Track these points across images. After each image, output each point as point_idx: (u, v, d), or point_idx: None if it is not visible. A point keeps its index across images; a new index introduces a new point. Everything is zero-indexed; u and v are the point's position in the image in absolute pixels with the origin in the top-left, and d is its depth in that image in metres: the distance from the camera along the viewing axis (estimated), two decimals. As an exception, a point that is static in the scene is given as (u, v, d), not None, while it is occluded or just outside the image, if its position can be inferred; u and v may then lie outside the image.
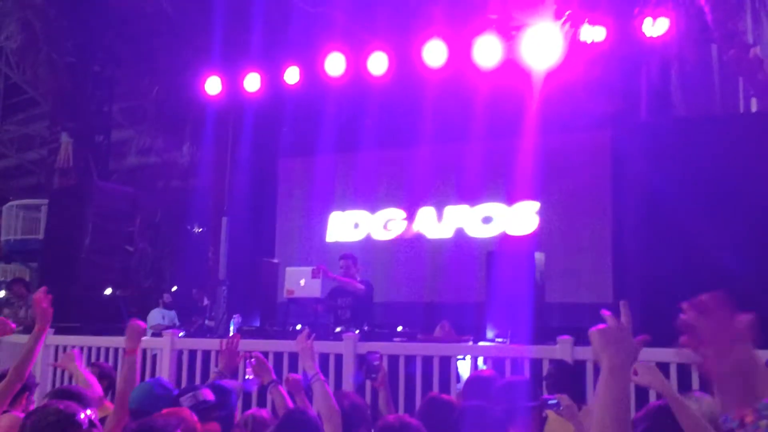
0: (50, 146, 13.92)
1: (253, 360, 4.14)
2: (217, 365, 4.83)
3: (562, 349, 5.55)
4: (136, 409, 3.40)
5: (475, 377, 4.61)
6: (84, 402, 3.35)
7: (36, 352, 3.94)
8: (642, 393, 4.55)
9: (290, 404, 3.91)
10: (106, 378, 5.10)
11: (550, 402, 3.68)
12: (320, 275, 7.34)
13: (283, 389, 4.00)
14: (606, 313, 1.86)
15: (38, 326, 3.95)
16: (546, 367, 5.56)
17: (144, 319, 10.37)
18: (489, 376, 4.53)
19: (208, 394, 3.39)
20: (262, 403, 5.97)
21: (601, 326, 1.84)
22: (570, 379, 4.90)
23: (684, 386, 4.72)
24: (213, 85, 10.53)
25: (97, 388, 4.63)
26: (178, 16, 11.83)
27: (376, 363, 4.67)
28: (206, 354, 6.74)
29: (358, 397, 4.30)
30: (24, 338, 8.27)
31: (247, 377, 4.25)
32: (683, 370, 5.22)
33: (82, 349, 7.30)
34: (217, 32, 10.51)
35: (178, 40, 11.86)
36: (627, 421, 1.76)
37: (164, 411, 3.03)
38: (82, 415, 2.70)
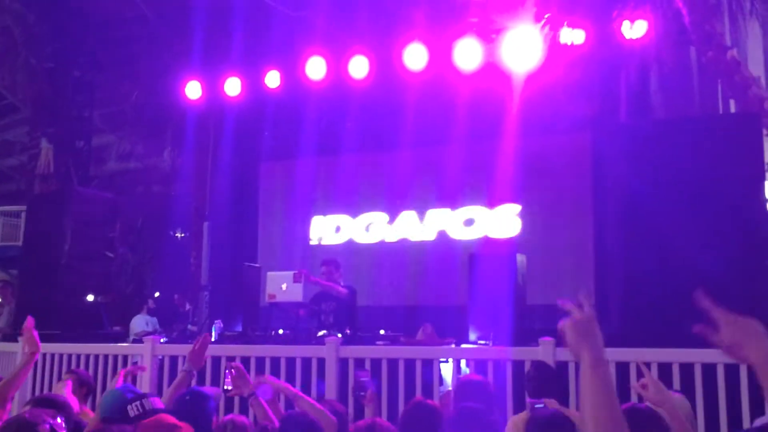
0: (30, 152, 13.81)
1: (233, 370, 4.09)
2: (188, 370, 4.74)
3: (544, 350, 5.57)
4: (107, 416, 3.35)
5: (467, 381, 4.60)
6: (63, 410, 3.32)
7: (23, 376, 4.01)
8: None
9: (273, 416, 3.86)
10: (85, 385, 5.04)
11: (536, 407, 3.69)
12: (302, 279, 7.32)
13: (263, 401, 3.95)
14: (565, 303, 1.83)
15: (29, 352, 4.10)
16: (528, 369, 5.58)
17: (127, 326, 10.33)
18: (480, 380, 4.53)
19: (157, 402, 3.30)
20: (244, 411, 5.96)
21: (570, 320, 1.80)
22: (551, 381, 4.91)
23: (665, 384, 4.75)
24: (193, 90, 10.48)
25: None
26: (158, 20, 11.78)
27: (363, 380, 4.68)
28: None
29: (340, 404, 4.29)
30: (2, 345, 8.19)
31: (226, 387, 4.18)
32: (664, 370, 5.26)
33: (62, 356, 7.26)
34: (197, 36, 10.47)
35: (158, 45, 11.81)
36: (620, 411, 1.72)
37: (147, 420, 2.99)
38: (48, 426, 2.68)
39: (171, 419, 2.90)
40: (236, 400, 6.21)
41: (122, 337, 9.10)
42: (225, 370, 4.18)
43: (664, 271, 6.30)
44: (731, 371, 5.02)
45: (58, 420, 2.76)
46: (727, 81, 8.47)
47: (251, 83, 10.17)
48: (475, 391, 4.23)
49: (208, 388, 4.32)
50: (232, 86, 10.22)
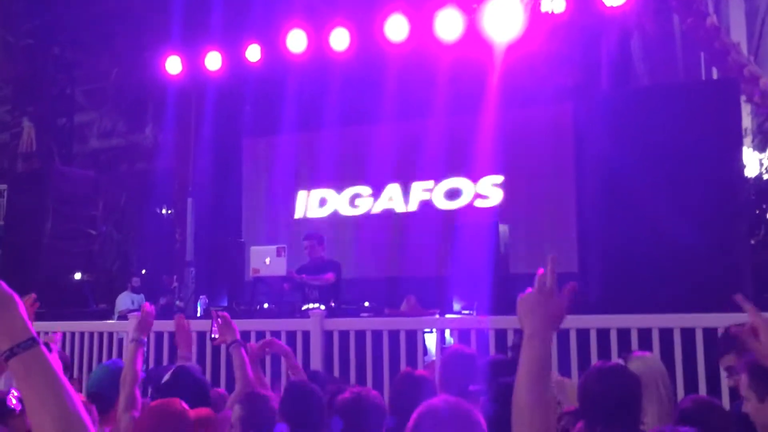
0: (12, 131, 13.70)
1: (219, 319, 4.14)
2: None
3: (526, 319, 5.61)
4: (95, 392, 3.37)
5: (457, 353, 4.61)
6: None
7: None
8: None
9: (249, 367, 3.92)
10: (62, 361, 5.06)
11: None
12: (290, 279, 7.36)
13: (245, 352, 4.01)
14: (539, 272, 1.94)
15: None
16: (511, 338, 5.64)
17: (112, 304, 10.33)
18: (471, 354, 4.56)
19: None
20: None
21: (527, 291, 1.93)
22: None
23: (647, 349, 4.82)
24: (173, 65, 10.39)
25: None
26: (136, -5, 11.65)
27: None
28: (173, 336, 6.70)
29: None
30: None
31: (212, 336, 4.23)
32: (644, 336, 5.33)
33: (47, 333, 7.25)
34: (177, 11, 10.35)
35: (137, 20, 11.68)
36: (545, 386, 1.85)
37: (153, 403, 2.99)
38: (13, 400, 2.70)
39: (180, 404, 2.88)
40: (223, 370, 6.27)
41: (108, 314, 9.11)
42: (212, 319, 4.22)
43: (644, 239, 6.36)
44: (709, 335, 5.09)
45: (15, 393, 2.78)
46: (707, 47, 8.49)
47: (232, 57, 10.10)
48: (460, 362, 4.27)
49: (193, 366, 4.34)
50: (213, 61, 10.14)
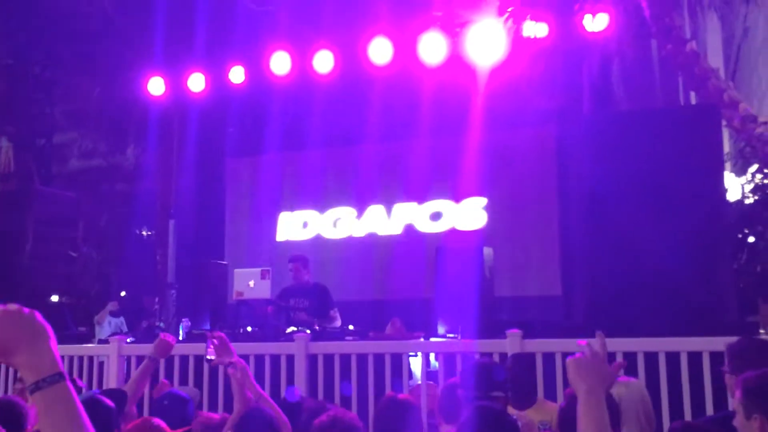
0: (-11, 151, 13.55)
1: (215, 340, 4.13)
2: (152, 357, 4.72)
3: (512, 342, 5.62)
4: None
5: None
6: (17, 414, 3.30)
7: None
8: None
9: (246, 388, 3.91)
10: None
11: None
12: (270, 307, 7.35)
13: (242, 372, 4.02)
14: (582, 343, 2.09)
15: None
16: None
17: (92, 327, 10.19)
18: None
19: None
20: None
21: (577, 355, 2.04)
22: (527, 370, 4.99)
23: (630, 372, 4.83)
24: (156, 86, 10.35)
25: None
26: (119, 15, 11.62)
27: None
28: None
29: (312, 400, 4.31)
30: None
31: (208, 357, 4.22)
32: (629, 359, 5.34)
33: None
34: (159, 31, 10.34)
35: (119, 40, 11.65)
36: None
37: (131, 425, 2.96)
38: None
39: (158, 422, 2.87)
40: (220, 395, 6.20)
41: (88, 338, 8.98)
42: (207, 340, 4.21)
43: (627, 262, 6.39)
44: (694, 360, 5.11)
45: None
46: (686, 73, 8.61)
47: (215, 79, 10.08)
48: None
49: (184, 392, 4.34)
50: (196, 82, 10.11)
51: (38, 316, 1.45)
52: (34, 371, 1.41)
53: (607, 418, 1.97)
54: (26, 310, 1.46)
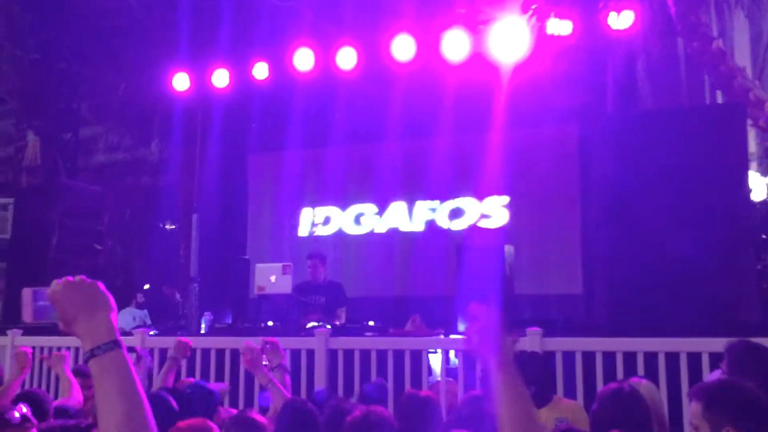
0: (17, 144, 13.72)
1: (268, 345, 4.37)
2: (174, 357, 4.95)
3: (531, 340, 5.62)
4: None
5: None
6: (41, 405, 3.38)
7: (13, 390, 4.33)
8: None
9: (287, 393, 4.02)
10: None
11: None
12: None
13: (288, 378, 4.22)
14: (474, 308, 1.91)
15: (20, 368, 4.76)
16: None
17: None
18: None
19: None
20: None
21: (474, 325, 1.88)
22: (540, 370, 4.97)
23: (649, 373, 4.81)
24: (180, 81, 10.43)
25: (77, 395, 4.66)
26: (144, 11, 11.71)
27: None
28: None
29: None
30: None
31: (264, 363, 4.38)
32: (650, 360, 5.32)
33: (59, 349, 7.26)
34: (184, 27, 10.41)
35: (144, 36, 11.74)
36: (533, 409, 1.82)
37: (183, 424, 3.00)
38: (16, 414, 2.82)
39: (211, 425, 2.90)
40: (241, 393, 6.28)
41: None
42: (261, 346, 4.48)
43: (649, 261, 6.36)
44: (716, 360, 5.08)
45: (24, 409, 2.90)
46: (712, 71, 8.51)
47: (239, 75, 10.14)
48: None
49: (213, 385, 4.49)
50: (220, 78, 10.19)
51: (101, 286, 1.51)
52: (91, 339, 1.45)
53: (526, 391, 1.80)
54: (89, 281, 1.52)
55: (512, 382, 1.79)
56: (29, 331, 7.64)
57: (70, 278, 1.52)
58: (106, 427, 1.38)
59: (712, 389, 2.59)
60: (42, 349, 7.19)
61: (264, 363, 4.37)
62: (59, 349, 6.63)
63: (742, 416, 2.50)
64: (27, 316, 1.72)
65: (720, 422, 2.49)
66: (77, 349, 7.16)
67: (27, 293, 1.71)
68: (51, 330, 7.89)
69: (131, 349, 4.93)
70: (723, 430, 2.49)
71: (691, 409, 2.65)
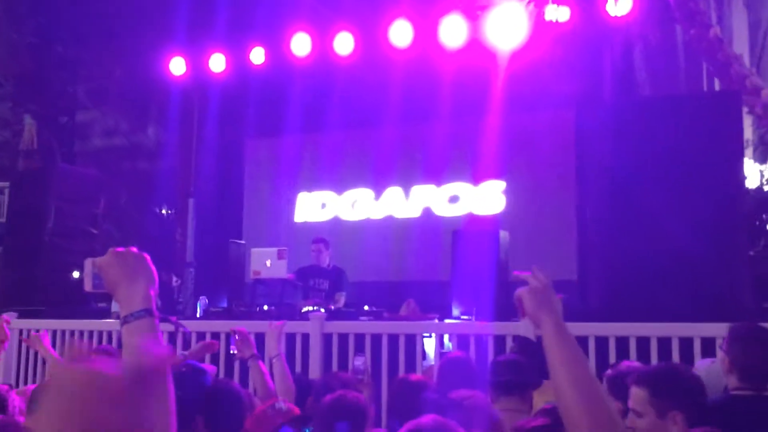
0: (13, 128, 13.68)
1: (236, 335, 4.30)
2: (184, 349, 5.01)
3: (525, 325, 5.63)
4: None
5: (451, 360, 4.66)
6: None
7: None
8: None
9: (269, 380, 4.01)
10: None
11: None
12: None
13: (263, 365, 4.16)
14: (521, 273, 1.92)
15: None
16: (509, 344, 5.66)
17: (110, 301, 10.32)
18: (463, 358, 4.61)
19: None
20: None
21: (527, 288, 1.88)
22: (533, 355, 4.99)
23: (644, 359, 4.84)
24: (177, 66, 10.43)
25: None
26: (141, -6, 11.66)
27: (357, 364, 4.98)
28: (171, 336, 6.73)
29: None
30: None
31: (232, 352, 4.40)
32: (642, 344, 5.35)
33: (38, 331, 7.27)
34: (182, 12, 10.36)
35: (141, 20, 11.69)
36: (591, 370, 1.80)
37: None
38: None
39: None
40: (236, 377, 6.30)
41: (107, 313, 9.11)
42: (230, 336, 4.51)
43: (644, 248, 6.38)
44: (708, 345, 5.11)
45: None
46: (709, 59, 8.52)
47: (236, 60, 10.13)
48: (459, 369, 4.30)
49: (207, 365, 4.50)
50: (217, 62, 10.18)
51: (147, 259, 1.59)
52: (127, 306, 1.53)
53: (582, 352, 1.78)
54: (136, 252, 1.61)
55: (570, 341, 1.80)
56: (25, 314, 7.66)
57: (120, 248, 1.60)
58: None
59: (658, 375, 2.60)
60: (29, 331, 7.21)
61: (233, 352, 4.41)
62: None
63: (689, 401, 2.51)
64: (87, 285, 1.81)
65: (666, 407, 2.50)
66: (54, 332, 7.14)
67: (88, 263, 1.80)
68: (48, 314, 7.92)
69: (165, 320, 4.93)
70: (669, 414, 2.49)
71: (632, 395, 2.62)
